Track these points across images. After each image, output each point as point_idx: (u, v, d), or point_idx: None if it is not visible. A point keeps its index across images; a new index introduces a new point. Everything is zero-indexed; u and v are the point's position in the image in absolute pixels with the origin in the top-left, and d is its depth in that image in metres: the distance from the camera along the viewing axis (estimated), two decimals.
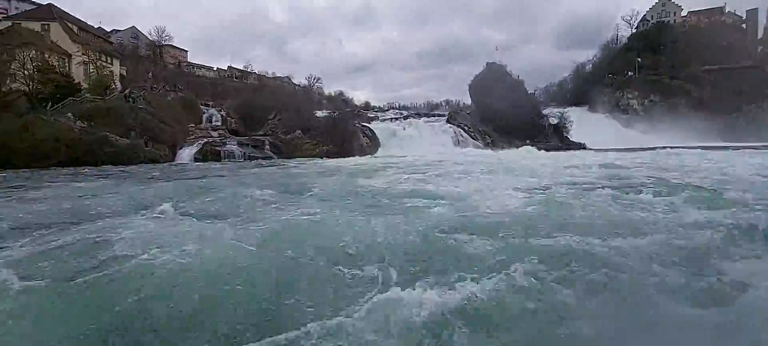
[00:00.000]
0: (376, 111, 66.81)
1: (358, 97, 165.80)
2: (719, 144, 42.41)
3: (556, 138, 44.03)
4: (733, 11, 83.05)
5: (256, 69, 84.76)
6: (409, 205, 6.96)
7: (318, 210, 6.39)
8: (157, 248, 4.25)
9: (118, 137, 27.03)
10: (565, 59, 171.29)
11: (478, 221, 5.53)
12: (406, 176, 11.76)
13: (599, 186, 8.74)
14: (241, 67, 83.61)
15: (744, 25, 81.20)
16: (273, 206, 7.27)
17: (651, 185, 8.72)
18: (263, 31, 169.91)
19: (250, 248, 4.34)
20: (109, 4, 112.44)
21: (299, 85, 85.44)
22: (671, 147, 32.24)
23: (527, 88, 53.16)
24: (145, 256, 4.04)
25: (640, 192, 7.70)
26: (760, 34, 79.40)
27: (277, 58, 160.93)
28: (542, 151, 29.12)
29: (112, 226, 5.55)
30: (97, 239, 4.85)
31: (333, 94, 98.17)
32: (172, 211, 6.68)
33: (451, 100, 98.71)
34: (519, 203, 6.89)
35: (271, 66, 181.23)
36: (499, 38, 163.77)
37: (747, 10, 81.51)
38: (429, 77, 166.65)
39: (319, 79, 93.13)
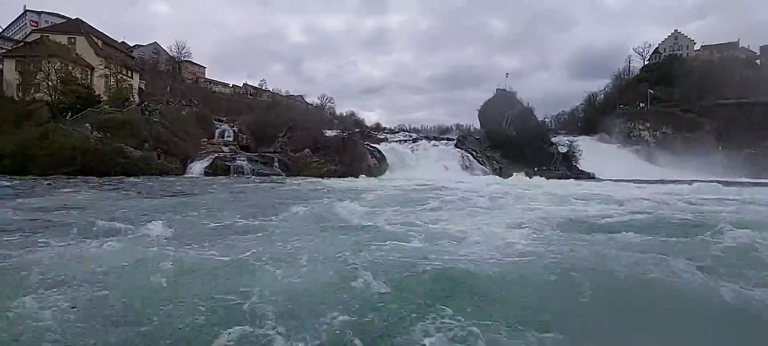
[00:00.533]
0: (386, 132, 67.35)
1: (370, 117, 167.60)
2: (741, 180, 41.42)
3: (565, 166, 43.70)
4: (746, 46, 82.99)
5: (271, 87, 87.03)
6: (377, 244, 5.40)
7: (256, 243, 5.45)
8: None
9: (132, 149, 27.77)
10: (577, 88, 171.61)
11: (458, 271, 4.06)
12: (396, 207, 10.56)
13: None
14: (255, 84, 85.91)
15: (758, 61, 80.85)
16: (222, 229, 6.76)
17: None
18: (280, 50, 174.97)
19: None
20: (134, 18, 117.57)
21: (311, 105, 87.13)
22: (695, 182, 31.58)
23: (537, 116, 53.39)
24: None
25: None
26: None
27: (292, 77, 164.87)
28: (553, 180, 28.87)
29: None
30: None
31: (344, 114, 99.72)
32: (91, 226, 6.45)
33: (461, 125, 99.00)
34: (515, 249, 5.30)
35: (286, 84, 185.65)
36: (512, 65, 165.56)
37: (761, 46, 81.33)
38: (440, 101, 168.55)
39: (331, 98, 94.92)
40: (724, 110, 67.63)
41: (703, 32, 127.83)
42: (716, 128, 66.50)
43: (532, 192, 15.21)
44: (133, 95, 37.99)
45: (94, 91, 33.43)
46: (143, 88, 44.35)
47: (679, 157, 63.39)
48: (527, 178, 28.19)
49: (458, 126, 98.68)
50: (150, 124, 30.99)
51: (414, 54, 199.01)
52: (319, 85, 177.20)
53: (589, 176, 41.42)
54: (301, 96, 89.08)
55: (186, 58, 71.97)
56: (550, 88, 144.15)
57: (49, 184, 17.45)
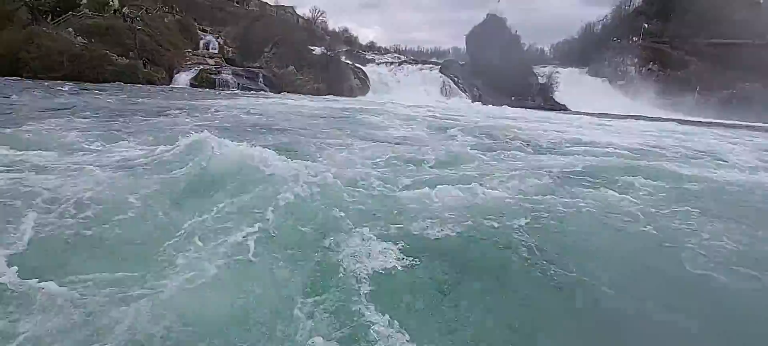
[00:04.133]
0: (375, 53, 66.72)
1: (366, 35, 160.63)
2: (702, 119, 43.93)
3: (541, 98, 45.38)
4: None
5: None
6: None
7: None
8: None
9: (117, 56, 28.55)
10: (590, 14, 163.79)
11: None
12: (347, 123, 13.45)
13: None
14: None
15: (761, 1, 78.66)
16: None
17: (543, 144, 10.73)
18: None
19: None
20: None
21: (302, 18, 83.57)
22: (646, 118, 34.15)
23: (528, 43, 53.40)
24: None
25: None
26: None
27: None
28: (504, 107, 31.01)
29: None
30: None
31: (337, 30, 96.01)
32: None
33: (460, 48, 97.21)
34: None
35: None
36: None
37: None
38: (442, 22, 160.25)
39: (323, 12, 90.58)
40: (714, 49, 67.82)
41: None
42: (701, 69, 67.32)
43: (466, 117, 17.63)
44: None
45: None
46: None
47: (661, 94, 65.19)
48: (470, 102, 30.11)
49: (456, 49, 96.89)
50: (133, 32, 31.21)
51: None
52: None
53: (562, 108, 43.40)
54: (292, 7, 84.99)
55: None
56: (560, 13, 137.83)
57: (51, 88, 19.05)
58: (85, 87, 20.50)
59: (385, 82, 41.43)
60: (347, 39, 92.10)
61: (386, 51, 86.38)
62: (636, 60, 69.31)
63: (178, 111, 12.67)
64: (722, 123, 36.84)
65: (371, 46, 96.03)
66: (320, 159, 6.36)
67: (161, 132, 8.25)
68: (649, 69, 69.31)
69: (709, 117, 51.77)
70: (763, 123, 41.18)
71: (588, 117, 26.44)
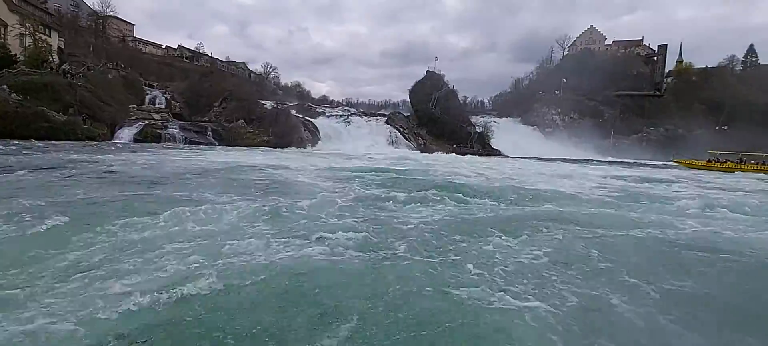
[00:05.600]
0: (327, 106, 69.57)
1: (320, 89, 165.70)
2: (595, 158, 51.15)
3: (479, 145, 49.70)
4: (647, 45, 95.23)
5: (213, 51, 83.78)
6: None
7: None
8: None
9: (55, 113, 27.88)
10: (521, 71, 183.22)
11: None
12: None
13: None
14: (192, 47, 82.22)
15: (656, 58, 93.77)
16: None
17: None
18: (224, 10, 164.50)
19: None
20: None
21: (254, 73, 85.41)
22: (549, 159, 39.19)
23: (469, 96, 58.95)
24: None
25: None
26: (668, 68, 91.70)
27: (238, 40, 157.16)
28: (452, 155, 33.90)
29: None
30: None
31: (290, 84, 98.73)
32: None
33: (408, 101, 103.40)
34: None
35: (231, 48, 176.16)
36: (463, 45, 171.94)
37: (658, 45, 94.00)
38: (392, 76, 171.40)
39: (275, 68, 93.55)
40: (620, 100, 78.96)
41: (630, 25, 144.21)
42: (613, 116, 77.69)
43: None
44: (52, 56, 36.44)
45: (10, 51, 31.95)
46: (62, 47, 42.08)
47: (581, 139, 73.57)
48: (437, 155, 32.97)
49: (405, 102, 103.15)
50: (74, 88, 30.75)
51: (368, 26, 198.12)
52: (268, 51, 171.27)
53: (497, 153, 47.81)
54: (243, 63, 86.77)
55: (111, 13, 67.08)
56: (495, 69, 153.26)
57: None
58: None
59: (335, 133, 43.41)
60: (300, 93, 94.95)
61: (338, 104, 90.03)
62: (559, 110, 78.43)
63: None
64: (632, 162, 43.04)
65: (324, 100, 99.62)
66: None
67: None
68: (571, 117, 78.40)
69: (625, 157, 59.08)
70: (661, 161, 48.47)
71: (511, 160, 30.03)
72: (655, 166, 37.11)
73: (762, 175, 28.96)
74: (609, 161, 42.52)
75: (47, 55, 34.99)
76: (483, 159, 31.84)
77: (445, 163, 22.66)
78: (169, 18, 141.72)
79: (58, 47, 40.60)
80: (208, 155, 20.51)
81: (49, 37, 38.35)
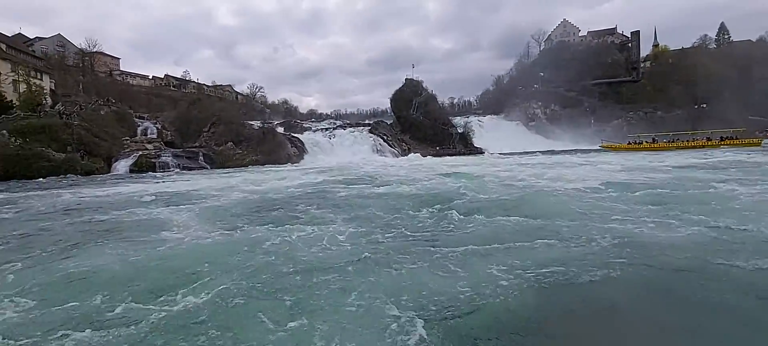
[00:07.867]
0: (314, 121, 71.67)
1: (307, 103, 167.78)
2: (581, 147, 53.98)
3: (461, 144, 51.90)
4: (621, 32, 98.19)
5: (199, 75, 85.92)
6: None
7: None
8: None
9: (54, 152, 29.65)
10: (504, 67, 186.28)
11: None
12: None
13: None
14: (178, 75, 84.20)
15: (630, 45, 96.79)
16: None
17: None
18: (209, 34, 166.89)
19: None
20: (31, 4, 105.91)
21: (241, 94, 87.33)
22: (538, 152, 41.62)
23: (450, 98, 61.23)
24: None
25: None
26: (645, 53, 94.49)
27: (225, 62, 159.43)
28: (428, 157, 35.98)
29: None
30: None
31: (277, 102, 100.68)
32: None
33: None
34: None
35: (219, 70, 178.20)
36: (447, 46, 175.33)
37: (631, 32, 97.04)
38: (378, 84, 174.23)
39: (261, 87, 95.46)
40: (597, 88, 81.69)
41: (608, 14, 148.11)
42: (592, 104, 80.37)
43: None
44: (45, 98, 38.30)
45: (6, 97, 33.78)
46: (54, 88, 43.91)
47: (564, 130, 76.08)
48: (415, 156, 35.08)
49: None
50: (70, 127, 32.53)
51: (351, 36, 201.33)
52: (255, 70, 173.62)
53: (479, 151, 49.97)
54: (230, 86, 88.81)
55: (97, 49, 68.78)
56: (479, 68, 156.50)
57: None
58: None
59: (321, 147, 45.37)
60: (287, 109, 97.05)
61: (326, 117, 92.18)
62: (540, 103, 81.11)
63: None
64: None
65: (312, 113, 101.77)
66: None
67: None
68: (552, 109, 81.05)
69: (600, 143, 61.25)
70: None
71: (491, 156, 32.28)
72: (588, 151, 43.32)
73: (665, 152, 35.29)
74: (551, 151, 47.68)
75: (41, 98, 36.82)
76: (451, 159, 34.00)
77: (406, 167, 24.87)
78: (154, 47, 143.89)
79: (50, 89, 42.44)
80: (194, 181, 22.34)
81: (41, 80, 40.22)
